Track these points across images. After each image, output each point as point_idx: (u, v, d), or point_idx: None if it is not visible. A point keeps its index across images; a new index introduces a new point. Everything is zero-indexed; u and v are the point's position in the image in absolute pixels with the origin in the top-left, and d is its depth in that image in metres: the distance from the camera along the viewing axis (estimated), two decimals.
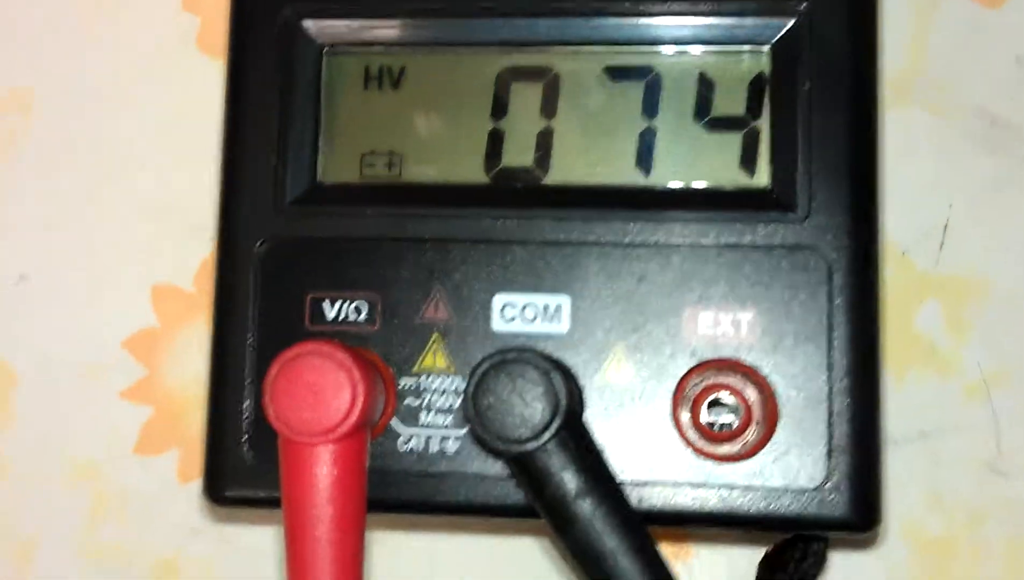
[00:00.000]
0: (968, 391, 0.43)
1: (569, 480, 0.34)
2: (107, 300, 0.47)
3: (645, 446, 0.37)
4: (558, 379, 0.34)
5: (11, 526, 0.46)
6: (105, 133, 0.48)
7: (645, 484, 0.37)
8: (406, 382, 0.38)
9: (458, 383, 0.37)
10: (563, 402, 0.34)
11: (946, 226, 0.44)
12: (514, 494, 0.37)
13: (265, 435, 0.37)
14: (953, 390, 0.43)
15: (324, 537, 0.34)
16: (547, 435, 0.33)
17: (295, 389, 0.34)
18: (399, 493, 0.37)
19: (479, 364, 0.34)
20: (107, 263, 0.47)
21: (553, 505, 0.34)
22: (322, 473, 0.34)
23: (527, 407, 0.34)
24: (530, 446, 0.33)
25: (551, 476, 0.34)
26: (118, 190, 0.47)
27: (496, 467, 0.37)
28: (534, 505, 0.35)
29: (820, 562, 0.39)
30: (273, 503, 0.36)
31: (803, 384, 0.36)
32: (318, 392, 0.34)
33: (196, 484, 0.45)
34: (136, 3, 0.48)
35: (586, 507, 0.33)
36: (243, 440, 0.38)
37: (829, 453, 0.36)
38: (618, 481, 0.35)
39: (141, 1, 0.48)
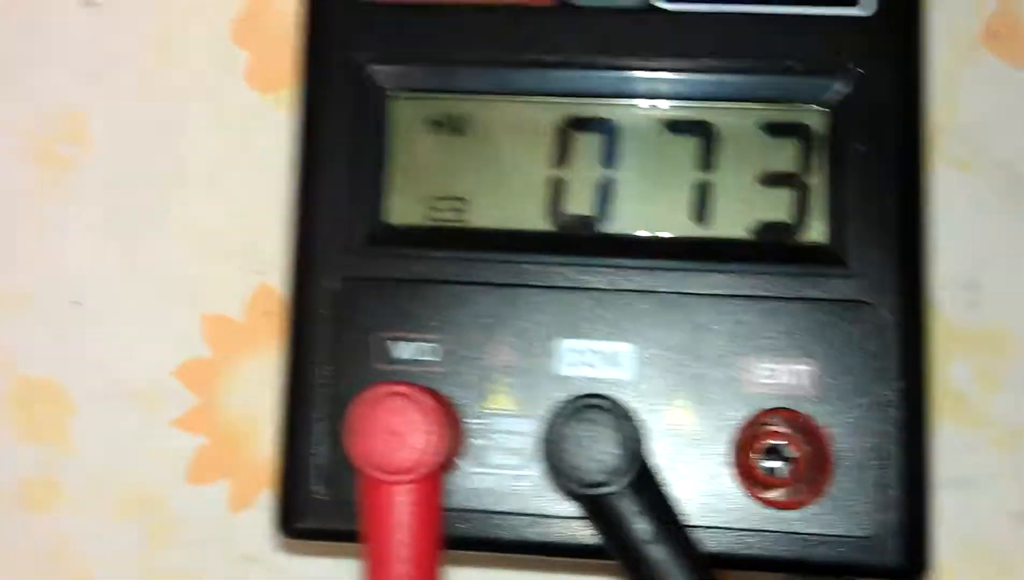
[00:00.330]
0: (998, 442, 0.45)
1: (642, 524, 0.35)
2: (159, 329, 0.47)
3: (703, 491, 0.38)
4: (632, 425, 0.35)
5: (69, 553, 0.47)
6: (157, 164, 0.48)
7: (702, 528, 0.37)
8: (474, 422, 0.38)
9: (525, 424, 0.38)
10: (639, 448, 0.35)
11: (976, 282, 0.45)
12: (585, 534, 0.37)
13: (338, 470, 0.38)
14: (983, 441, 0.45)
15: (405, 573, 0.35)
16: (624, 480, 0.35)
17: (378, 430, 0.35)
18: (471, 531, 0.38)
19: (555, 408, 0.35)
20: (159, 293, 0.48)
21: (626, 547, 0.35)
22: (405, 511, 0.35)
23: (604, 452, 0.35)
24: (607, 490, 0.35)
25: (625, 519, 0.35)
26: (170, 221, 0.48)
27: (567, 507, 0.38)
28: (606, 546, 0.36)
29: None
30: (344, 536, 0.37)
31: (857, 434, 0.38)
32: (401, 433, 0.35)
33: (248, 514, 0.46)
34: (186, 37, 0.49)
35: (658, 551, 0.34)
36: (316, 475, 0.38)
37: (882, 502, 0.37)
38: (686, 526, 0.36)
39: (191, 35, 0.49)
